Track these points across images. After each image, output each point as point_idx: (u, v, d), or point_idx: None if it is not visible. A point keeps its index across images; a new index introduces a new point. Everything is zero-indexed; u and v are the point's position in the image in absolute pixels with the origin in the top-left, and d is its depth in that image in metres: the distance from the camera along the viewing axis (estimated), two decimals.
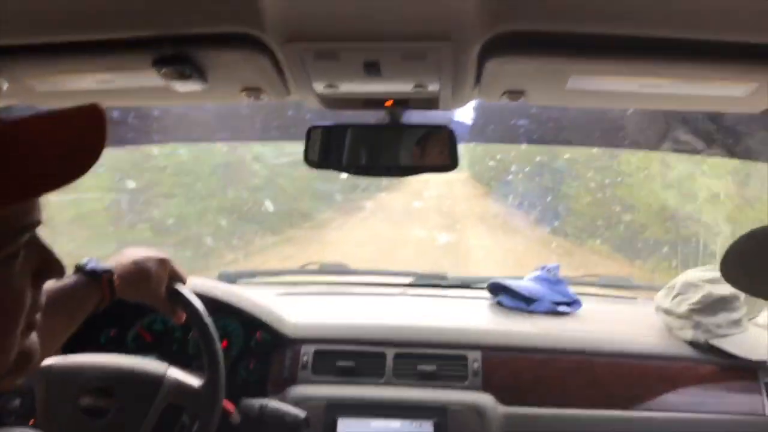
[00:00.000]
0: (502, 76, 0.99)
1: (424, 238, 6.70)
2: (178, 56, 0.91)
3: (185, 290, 1.20)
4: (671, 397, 1.53)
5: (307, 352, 1.57)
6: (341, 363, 1.55)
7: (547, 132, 1.79)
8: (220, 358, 1.21)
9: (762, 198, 4.12)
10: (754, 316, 1.78)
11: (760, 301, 1.79)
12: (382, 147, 1.19)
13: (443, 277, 2.13)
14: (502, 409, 1.49)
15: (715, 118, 1.91)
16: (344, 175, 1.27)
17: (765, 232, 0.48)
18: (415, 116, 1.20)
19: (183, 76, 0.94)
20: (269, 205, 5.48)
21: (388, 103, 1.09)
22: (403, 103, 1.09)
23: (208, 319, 1.21)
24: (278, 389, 1.52)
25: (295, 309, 1.72)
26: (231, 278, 2.07)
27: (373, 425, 1.46)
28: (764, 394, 1.52)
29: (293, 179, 5.68)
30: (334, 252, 5.92)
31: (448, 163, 1.17)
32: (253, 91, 1.08)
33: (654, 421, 1.51)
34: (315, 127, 1.19)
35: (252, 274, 2.19)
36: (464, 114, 1.69)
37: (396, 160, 1.19)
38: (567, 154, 5.87)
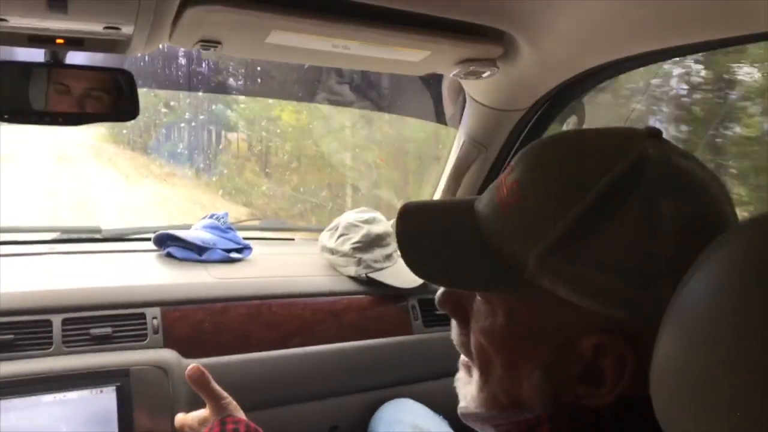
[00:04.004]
0: (201, 25, 1.01)
1: (73, 189, 6.10)
2: None
3: None
4: (340, 330, 1.76)
5: None
6: None
7: (218, 81, 1.84)
8: None
9: (408, 149, 4.82)
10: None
11: None
12: (45, 91, 1.11)
13: (97, 230, 1.99)
14: (186, 363, 1.51)
15: (366, 74, 2.20)
16: None
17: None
18: (80, 58, 1.14)
19: None
20: None
21: (59, 42, 1.02)
22: (77, 42, 1.02)
23: None
24: None
25: None
26: None
27: (45, 400, 1.35)
28: (411, 315, 1.88)
29: None
30: None
31: (124, 111, 1.15)
32: None
33: (326, 353, 1.71)
34: None
35: None
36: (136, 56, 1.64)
37: (62, 106, 1.12)
38: (237, 104, 5.98)
